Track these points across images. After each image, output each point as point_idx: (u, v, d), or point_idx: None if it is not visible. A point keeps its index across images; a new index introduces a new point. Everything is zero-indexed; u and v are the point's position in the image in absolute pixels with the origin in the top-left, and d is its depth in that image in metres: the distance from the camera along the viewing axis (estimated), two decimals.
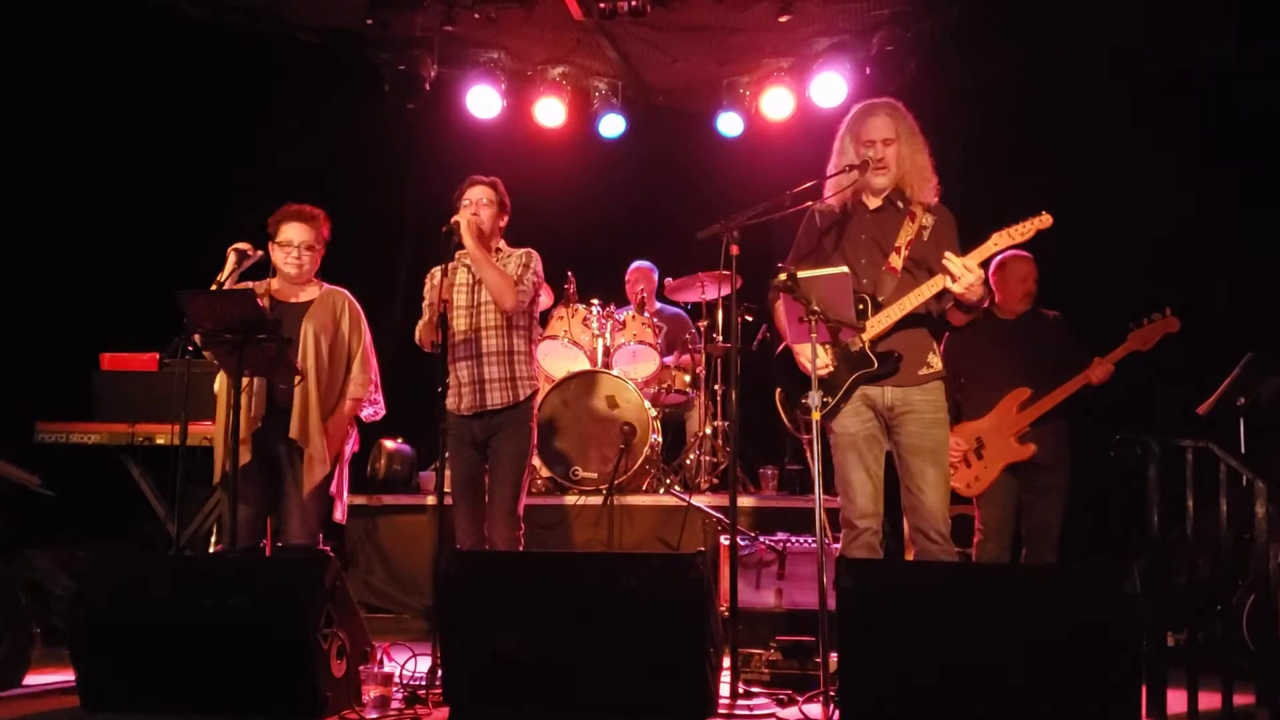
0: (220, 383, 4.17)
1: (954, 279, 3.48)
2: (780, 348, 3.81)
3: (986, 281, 3.73)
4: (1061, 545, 4.72)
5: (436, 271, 4.36)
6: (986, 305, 3.63)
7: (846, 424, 3.65)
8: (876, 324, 3.61)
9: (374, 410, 4.38)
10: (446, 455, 4.16)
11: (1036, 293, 4.87)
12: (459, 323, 4.22)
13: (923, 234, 3.68)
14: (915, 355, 3.66)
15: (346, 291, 4.33)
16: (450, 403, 4.23)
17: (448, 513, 4.11)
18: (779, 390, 3.82)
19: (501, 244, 4.35)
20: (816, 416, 3.46)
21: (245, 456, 3.99)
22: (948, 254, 3.50)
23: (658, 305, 6.78)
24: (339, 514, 4.29)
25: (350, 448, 4.34)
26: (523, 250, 4.33)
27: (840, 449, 3.67)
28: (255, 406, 4.08)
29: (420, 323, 4.32)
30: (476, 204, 4.24)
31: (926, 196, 3.70)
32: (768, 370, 6.08)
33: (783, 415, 3.81)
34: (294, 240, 4.17)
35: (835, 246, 3.76)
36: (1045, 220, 3.55)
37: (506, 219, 4.35)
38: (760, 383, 4.04)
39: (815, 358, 3.47)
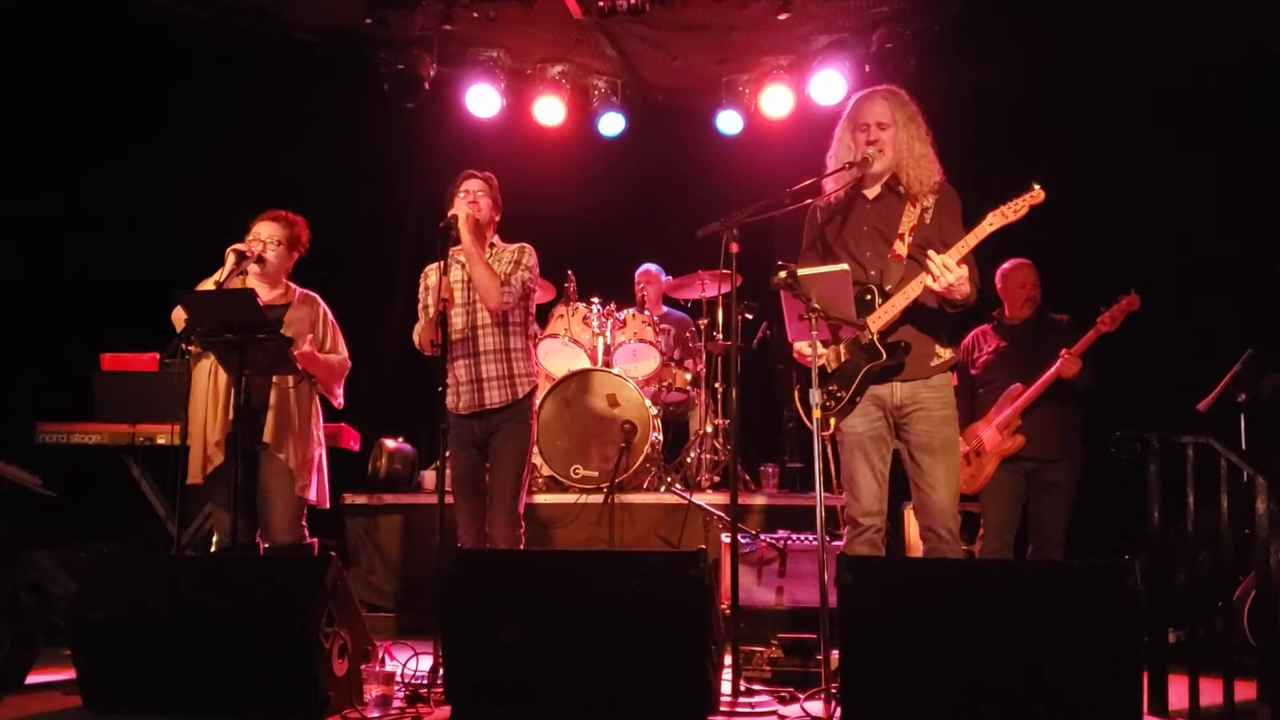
0: (199, 378, 4.18)
1: (934, 278, 3.45)
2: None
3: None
4: (1068, 543, 4.72)
5: (431, 269, 4.37)
6: (972, 300, 3.58)
7: (854, 424, 3.64)
8: (882, 315, 3.58)
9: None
10: (447, 454, 4.17)
11: (1040, 298, 4.90)
12: (456, 320, 4.21)
13: (925, 216, 3.65)
14: (924, 347, 3.63)
15: (317, 296, 4.40)
16: (449, 402, 4.23)
17: (449, 512, 4.12)
18: (798, 388, 3.80)
19: (495, 239, 4.36)
20: (818, 414, 3.46)
21: (219, 458, 4.06)
22: (930, 253, 3.47)
23: (664, 309, 6.79)
24: (312, 494, 4.25)
25: (320, 436, 4.35)
26: (517, 245, 4.33)
27: (847, 448, 3.66)
28: (229, 409, 4.09)
29: (418, 326, 4.33)
30: (474, 194, 4.25)
31: (927, 182, 3.66)
32: (769, 368, 6.13)
33: (803, 415, 3.79)
34: (262, 235, 4.26)
35: (837, 238, 3.74)
36: (1038, 195, 3.46)
37: (499, 216, 4.37)
38: (761, 381, 4.04)
39: (815, 355, 3.47)
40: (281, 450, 4.10)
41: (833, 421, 3.64)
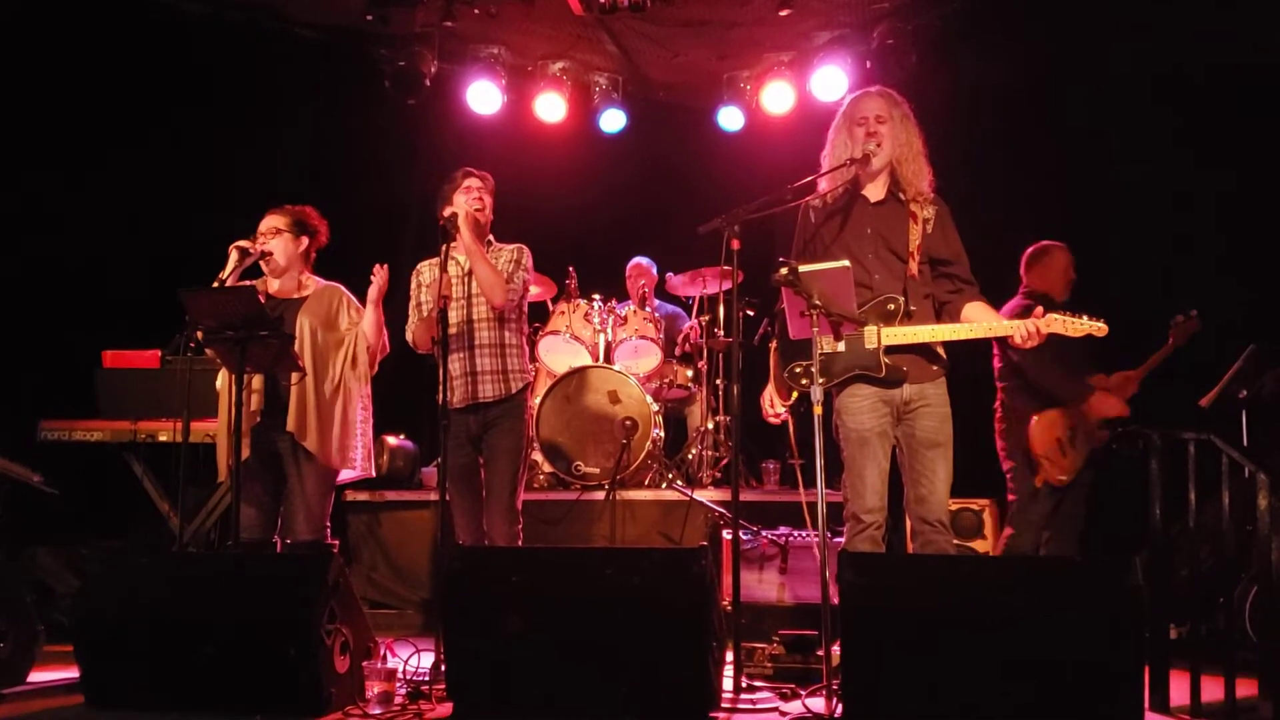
0: (222, 379, 4.19)
1: (1024, 337, 3.53)
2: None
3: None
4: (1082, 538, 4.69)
5: (424, 267, 4.38)
6: None
7: (862, 420, 3.63)
8: (900, 335, 3.59)
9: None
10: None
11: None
12: (451, 315, 4.20)
13: (926, 227, 3.69)
14: (927, 354, 3.65)
15: (342, 286, 4.35)
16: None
17: (449, 508, 4.12)
18: (776, 358, 3.80)
19: (491, 238, 4.37)
20: (819, 411, 3.46)
21: (245, 452, 4.01)
22: (1042, 317, 3.51)
23: (656, 302, 6.78)
24: (359, 464, 4.26)
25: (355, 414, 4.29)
26: (514, 246, 4.35)
27: (854, 444, 3.65)
28: (255, 402, 4.11)
29: (410, 323, 4.33)
30: (478, 191, 4.26)
31: (922, 187, 3.69)
32: (769, 364, 6.12)
33: (769, 401, 3.82)
34: (262, 228, 4.24)
35: (835, 238, 3.74)
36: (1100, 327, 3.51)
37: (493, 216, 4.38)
38: (762, 377, 4.04)
39: (816, 353, 3.47)
40: (306, 441, 4.07)
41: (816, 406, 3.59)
